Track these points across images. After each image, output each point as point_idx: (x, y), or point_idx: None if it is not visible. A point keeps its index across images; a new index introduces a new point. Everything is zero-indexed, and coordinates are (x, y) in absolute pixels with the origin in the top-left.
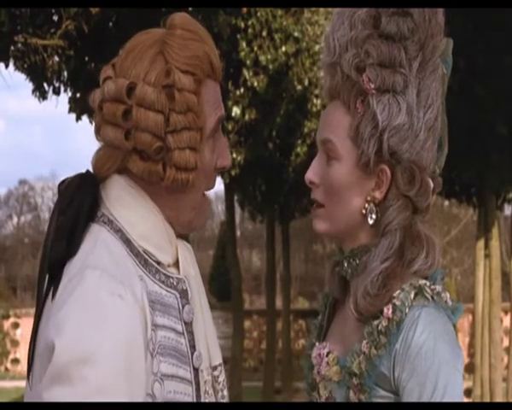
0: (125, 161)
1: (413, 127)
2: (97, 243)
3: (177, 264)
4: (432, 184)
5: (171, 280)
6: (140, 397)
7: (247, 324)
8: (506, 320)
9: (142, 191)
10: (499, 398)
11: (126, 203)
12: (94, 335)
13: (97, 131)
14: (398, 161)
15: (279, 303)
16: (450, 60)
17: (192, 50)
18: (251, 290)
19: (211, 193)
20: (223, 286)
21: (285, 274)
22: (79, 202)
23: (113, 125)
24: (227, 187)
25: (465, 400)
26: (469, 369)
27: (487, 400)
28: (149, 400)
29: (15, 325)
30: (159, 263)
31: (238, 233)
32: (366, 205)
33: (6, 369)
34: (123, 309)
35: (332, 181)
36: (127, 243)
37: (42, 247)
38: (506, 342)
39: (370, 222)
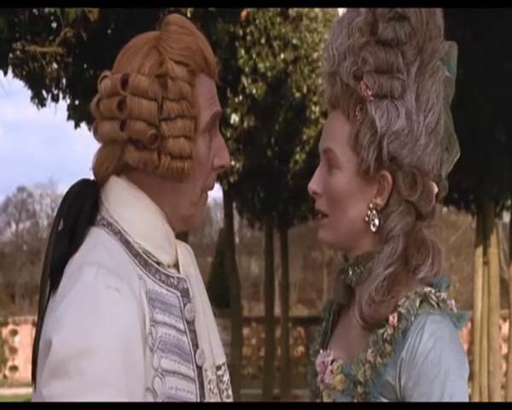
0: (123, 156)
1: (413, 132)
2: (96, 243)
3: (177, 265)
4: (436, 189)
5: (172, 280)
6: (139, 390)
7: (245, 331)
8: (505, 327)
9: (141, 191)
10: None
11: (125, 203)
12: (90, 328)
13: (95, 131)
14: (399, 166)
15: (278, 310)
16: (455, 63)
17: (185, 43)
18: (249, 297)
19: (209, 200)
20: (221, 293)
21: (284, 281)
22: (79, 206)
23: (109, 119)
24: (226, 194)
25: None
26: (468, 376)
27: None
28: (149, 395)
29: (14, 333)
30: (159, 263)
31: (237, 240)
32: (368, 212)
33: (4, 376)
34: (120, 302)
35: (334, 190)
36: (126, 244)
37: (45, 252)
38: (505, 350)
39: (373, 229)
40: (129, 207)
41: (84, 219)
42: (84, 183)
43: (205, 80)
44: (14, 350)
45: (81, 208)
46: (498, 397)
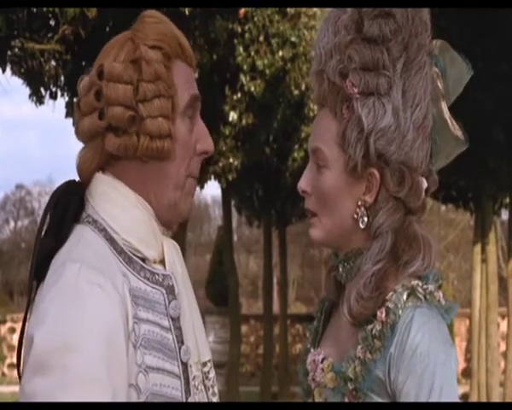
0: (105, 148)
1: (400, 128)
2: (80, 240)
3: (163, 261)
4: (425, 184)
5: (157, 277)
6: (122, 385)
7: (244, 328)
8: (503, 325)
9: (126, 186)
10: None
11: (110, 198)
12: (72, 323)
13: (77, 131)
14: (387, 163)
15: (276, 308)
16: (444, 58)
17: (159, 29)
18: (248, 295)
19: (207, 197)
20: (220, 291)
21: (282, 279)
22: (65, 204)
23: (89, 114)
24: (224, 192)
25: None
26: (466, 374)
27: None
28: (133, 391)
29: (12, 330)
30: (144, 260)
31: (235, 238)
32: (357, 209)
33: (3, 374)
34: (102, 297)
35: (322, 189)
36: (111, 241)
37: (32, 249)
38: (503, 347)
39: (362, 226)
40: (113, 202)
41: (70, 216)
42: (69, 183)
43: (181, 65)
44: (12, 348)
45: (67, 206)
46: (497, 395)
